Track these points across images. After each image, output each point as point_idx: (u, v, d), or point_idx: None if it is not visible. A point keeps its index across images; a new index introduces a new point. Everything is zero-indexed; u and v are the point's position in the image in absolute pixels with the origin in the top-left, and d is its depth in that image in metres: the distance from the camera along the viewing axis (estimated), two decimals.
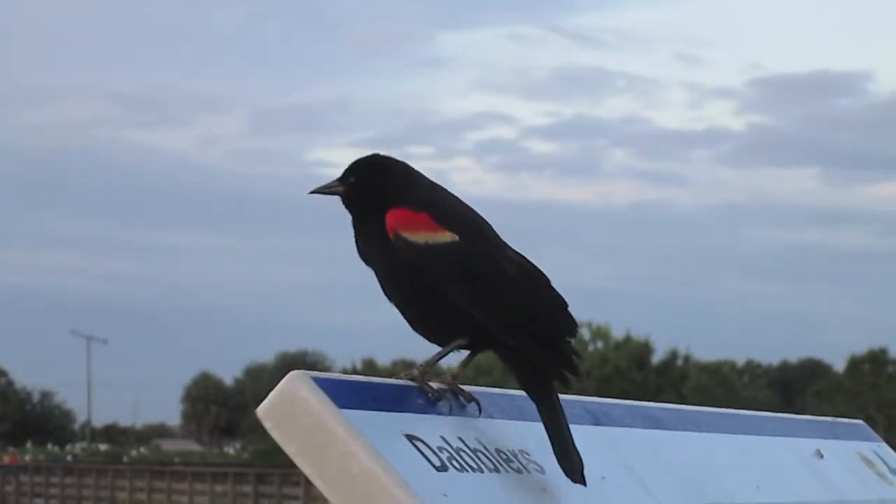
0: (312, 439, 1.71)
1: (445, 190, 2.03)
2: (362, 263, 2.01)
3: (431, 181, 2.04)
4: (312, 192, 2.02)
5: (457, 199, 2.02)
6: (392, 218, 1.95)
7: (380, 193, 1.98)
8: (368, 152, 2.05)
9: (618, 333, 43.32)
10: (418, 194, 1.98)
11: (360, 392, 1.80)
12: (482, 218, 2.01)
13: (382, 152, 2.06)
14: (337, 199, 2.02)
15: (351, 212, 2.02)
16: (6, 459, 40.92)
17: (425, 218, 1.94)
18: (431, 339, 1.97)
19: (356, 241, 2.01)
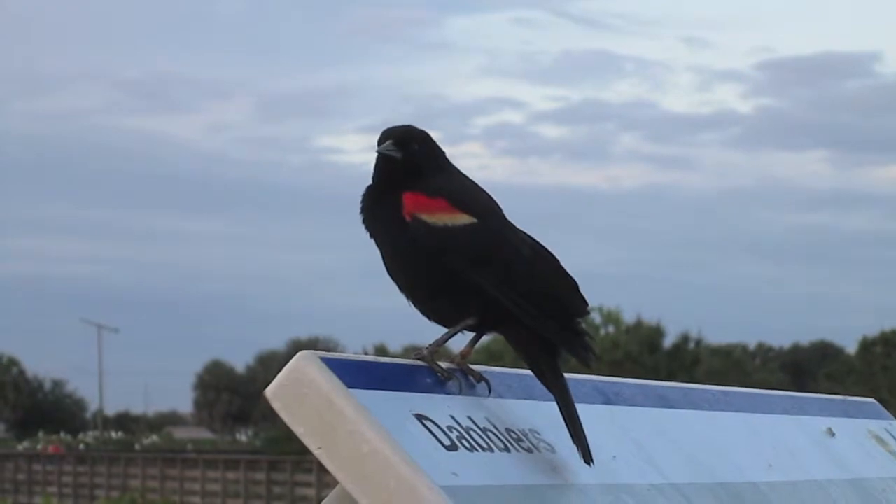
0: (321, 419, 1.71)
1: (465, 176, 2.06)
2: (369, 239, 2.02)
3: (450, 161, 2.07)
4: (379, 151, 2.02)
5: (473, 182, 2.05)
6: (410, 201, 1.98)
7: (421, 170, 2.01)
8: (375, 138, 2.05)
9: (629, 318, 43.30)
10: (438, 180, 2.01)
11: (368, 372, 1.80)
12: (496, 202, 2.04)
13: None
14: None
15: (384, 181, 2.02)
16: (50, 449, 41.00)
17: (443, 203, 1.98)
18: (439, 321, 1.99)
19: (364, 211, 2.03)
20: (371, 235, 2.02)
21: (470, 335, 2.00)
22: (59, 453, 38.28)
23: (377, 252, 2.02)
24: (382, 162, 2.02)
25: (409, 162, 2.01)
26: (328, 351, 1.79)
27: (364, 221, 2.03)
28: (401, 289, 2.00)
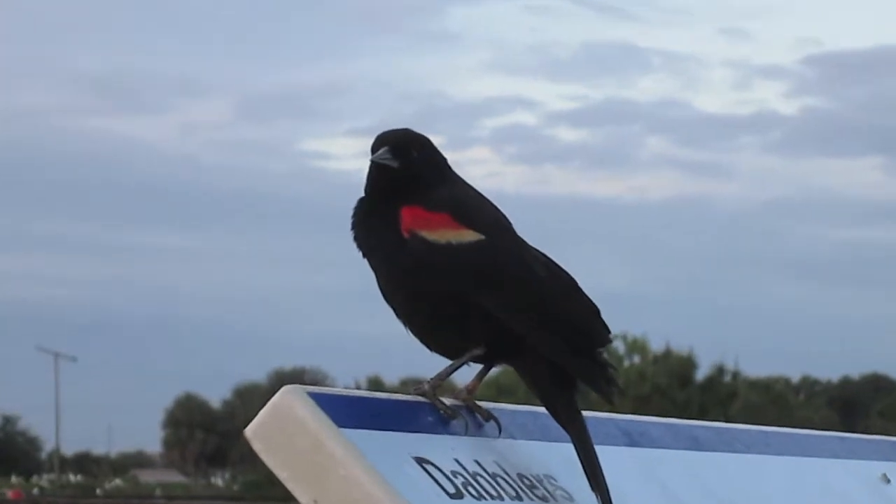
0: (308, 462, 1.71)
1: (469, 186, 2.08)
2: (362, 258, 2.03)
3: (453, 171, 2.09)
4: (373, 159, 2.03)
5: (479, 194, 2.07)
6: (408, 215, 2.00)
7: (421, 180, 2.02)
8: (369, 142, 2.06)
9: (656, 346, 43.30)
10: (440, 192, 2.03)
11: (362, 409, 1.81)
12: (505, 216, 2.06)
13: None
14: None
15: (379, 193, 2.04)
16: (9, 494, 40.92)
17: (445, 217, 1.99)
18: (441, 351, 2.01)
19: (357, 226, 2.04)
20: (364, 254, 2.04)
21: (477, 367, 2.01)
22: (20, 499, 38.18)
23: (371, 272, 2.03)
24: (377, 171, 2.04)
25: (407, 171, 2.03)
26: (316, 384, 1.80)
27: (356, 238, 2.04)
28: (398, 314, 2.01)
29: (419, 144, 2.05)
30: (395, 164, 2.02)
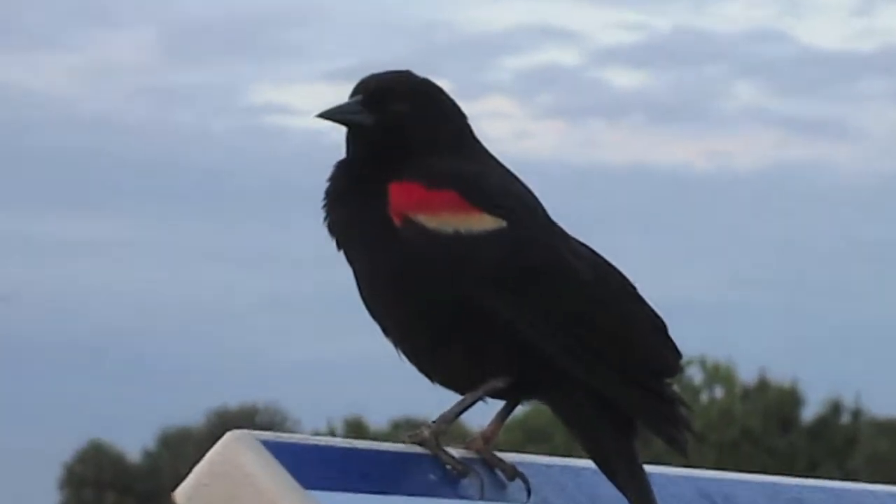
0: None
1: (491, 155, 2.09)
2: (337, 251, 2.05)
3: (472, 134, 2.10)
4: (323, 116, 2.04)
5: (499, 164, 2.08)
6: (401, 194, 2.01)
7: (415, 145, 2.04)
8: (347, 91, 2.07)
9: (746, 375, 43.24)
10: (445, 162, 2.04)
11: (338, 463, 1.81)
12: (535, 196, 2.07)
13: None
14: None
15: (361, 162, 2.06)
16: None
17: (452, 196, 2.01)
18: (448, 382, 2.02)
19: (330, 208, 2.06)
20: (340, 246, 2.05)
21: (498, 404, 2.03)
22: None
23: (350, 273, 2.04)
24: (349, 133, 2.06)
25: (390, 133, 2.04)
26: (272, 428, 1.81)
27: (329, 226, 2.06)
28: (387, 331, 2.02)
29: (412, 93, 2.06)
30: (367, 120, 2.03)
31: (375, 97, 2.04)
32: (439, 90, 2.08)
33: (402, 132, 2.04)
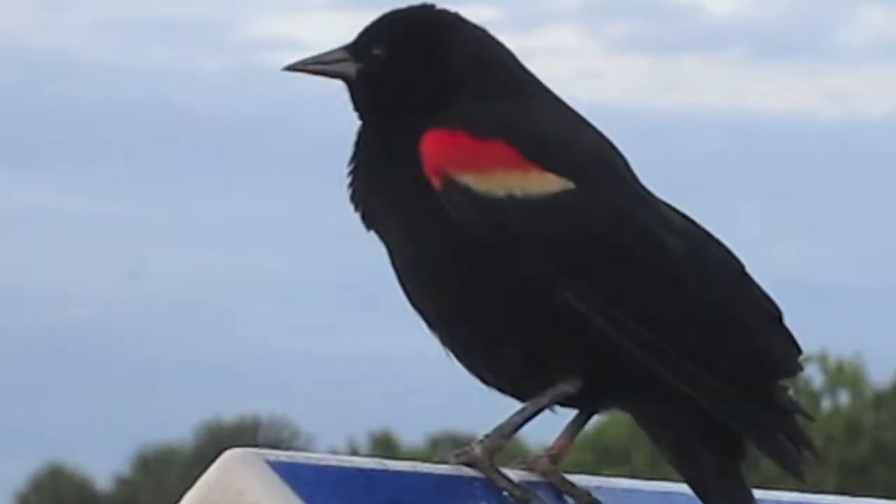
0: None
1: (553, 96, 1.96)
2: (364, 228, 1.93)
3: (527, 72, 1.96)
4: (289, 69, 1.95)
5: (565, 108, 1.95)
6: (438, 145, 1.89)
7: (425, 88, 1.95)
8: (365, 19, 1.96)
9: (879, 376, 42.59)
10: (493, 107, 1.91)
11: (363, 489, 1.73)
12: (614, 150, 1.95)
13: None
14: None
15: (363, 116, 1.96)
16: None
17: (502, 149, 1.89)
18: (505, 385, 1.93)
19: (356, 172, 1.95)
20: (365, 219, 1.90)
21: (569, 415, 1.96)
22: None
23: (381, 250, 1.93)
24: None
25: (376, 84, 1.96)
26: (279, 446, 1.60)
27: (353, 194, 1.93)
28: (430, 323, 1.93)
29: (408, 32, 1.96)
30: (348, 70, 1.95)
31: (361, 40, 1.98)
32: (462, 23, 1.96)
33: (388, 82, 1.95)
